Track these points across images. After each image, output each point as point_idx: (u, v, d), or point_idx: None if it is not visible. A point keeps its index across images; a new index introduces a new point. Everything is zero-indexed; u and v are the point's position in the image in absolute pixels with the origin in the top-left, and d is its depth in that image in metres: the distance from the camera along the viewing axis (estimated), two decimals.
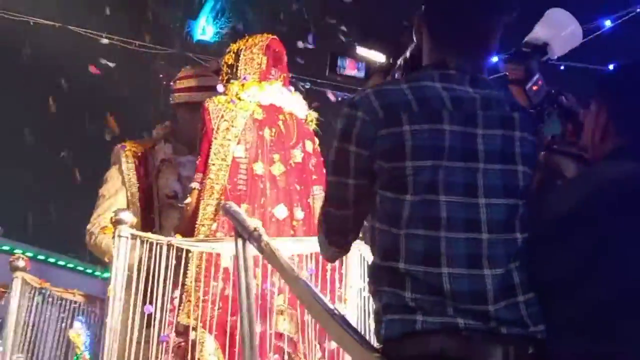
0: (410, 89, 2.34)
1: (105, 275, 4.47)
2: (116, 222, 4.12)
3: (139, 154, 5.16)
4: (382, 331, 2.29)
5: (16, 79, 11.95)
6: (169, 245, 4.18)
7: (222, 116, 4.63)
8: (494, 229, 2.25)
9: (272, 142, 4.71)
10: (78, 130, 11.86)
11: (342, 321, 2.72)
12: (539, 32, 2.78)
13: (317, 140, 4.92)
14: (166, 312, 4.15)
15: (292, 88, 5.05)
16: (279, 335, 4.27)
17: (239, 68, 4.91)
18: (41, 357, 5.15)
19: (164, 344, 4.12)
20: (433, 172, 2.24)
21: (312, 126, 4.97)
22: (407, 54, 2.63)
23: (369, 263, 2.46)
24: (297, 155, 4.74)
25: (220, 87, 4.89)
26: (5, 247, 13.06)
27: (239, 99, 4.73)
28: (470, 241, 2.22)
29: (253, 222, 3.56)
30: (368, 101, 2.33)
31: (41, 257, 13.42)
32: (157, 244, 4.16)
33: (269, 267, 3.96)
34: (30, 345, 5.03)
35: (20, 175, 12.67)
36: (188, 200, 4.56)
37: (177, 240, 4.24)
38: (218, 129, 4.60)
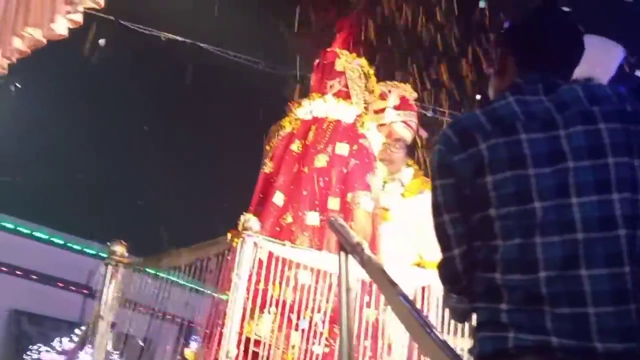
0: (484, 113, 2.35)
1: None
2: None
3: None
4: (475, 349, 2.23)
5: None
6: None
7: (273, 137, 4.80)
8: (590, 228, 2.13)
9: (298, 154, 4.74)
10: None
11: (438, 339, 2.68)
12: (576, 72, 2.66)
13: (365, 142, 4.81)
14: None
15: (328, 97, 5.03)
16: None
17: None
18: None
19: None
20: (518, 182, 2.20)
21: (364, 129, 4.88)
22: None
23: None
24: (321, 159, 4.70)
25: None
26: None
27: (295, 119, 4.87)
28: (566, 243, 2.13)
29: (356, 237, 3.50)
30: (443, 134, 2.38)
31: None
32: None
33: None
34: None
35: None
36: None
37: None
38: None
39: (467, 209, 2.30)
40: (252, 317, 4.20)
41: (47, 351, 13.24)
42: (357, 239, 3.46)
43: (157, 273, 4.93)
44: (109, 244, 4.95)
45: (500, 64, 2.54)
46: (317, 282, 4.32)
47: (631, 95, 2.36)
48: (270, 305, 4.28)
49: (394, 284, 3.07)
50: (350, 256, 3.45)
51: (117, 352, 5.18)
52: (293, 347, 4.24)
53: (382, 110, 5.33)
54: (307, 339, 4.26)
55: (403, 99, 5.44)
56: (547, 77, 2.38)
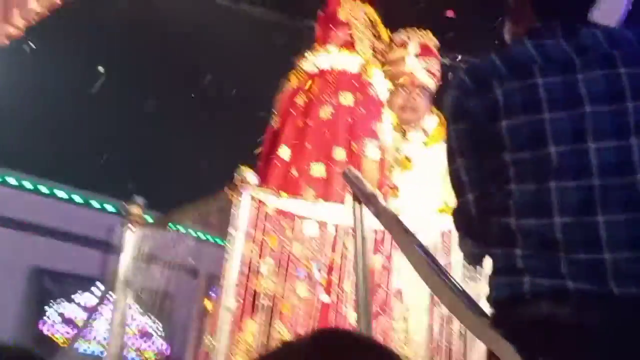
0: (499, 57, 2.31)
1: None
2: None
3: None
4: (492, 294, 2.25)
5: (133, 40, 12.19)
6: None
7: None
8: (607, 173, 2.12)
9: (303, 107, 4.78)
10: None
11: (455, 287, 2.67)
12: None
13: (370, 90, 4.84)
14: None
15: (331, 48, 5.02)
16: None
17: None
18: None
19: None
20: (533, 126, 2.18)
21: (369, 77, 4.85)
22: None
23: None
24: (326, 111, 4.72)
25: None
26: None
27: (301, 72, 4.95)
28: (582, 188, 2.12)
29: (370, 187, 3.52)
30: (458, 78, 2.36)
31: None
32: None
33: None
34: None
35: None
36: None
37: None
38: None
39: (481, 154, 2.29)
40: (250, 270, 4.24)
41: (69, 306, 13.42)
42: (372, 190, 3.47)
43: (176, 227, 4.96)
44: (124, 203, 4.99)
45: (516, 8, 2.50)
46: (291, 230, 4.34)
47: None
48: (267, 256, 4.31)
49: (409, 234, 3.07)
50: (364, 207, 3.47)
51: (139, 306, 5.25)
52: (300, 298, 4.27)
53: (403, 58, 5.30)
54: (313, 289, 4.29)
55: (424, 46, 5.37)
56: (566, 21, 2.34)
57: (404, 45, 5.30)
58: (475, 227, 2.36)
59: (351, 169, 3.74)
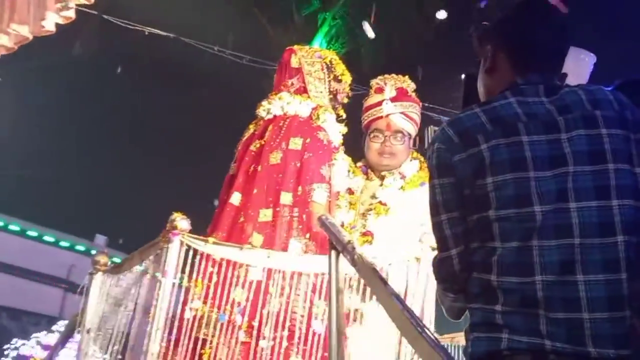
0: (484, 111, 2.31)
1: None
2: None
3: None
4: (468, 349, 2.22)
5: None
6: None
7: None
8: (587, 233, 2.13)
9: (255, 153, 4.84)
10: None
11: (431, 340, 2.67)
12: None
13: (320, 134, 4.87)
14: None
15: (284, 94, 5.09)
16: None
17: None
18: None
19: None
20: (518, 184, 2.18)
21: (319, 121, 4.92)
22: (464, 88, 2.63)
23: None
24: (275, 156, 4.78)
25: None
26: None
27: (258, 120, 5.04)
28: (563, 247, 2.12)
29: (347, 235, 3.49)
30: (443, 132, 2.34)
31: None
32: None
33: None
34: None
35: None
36: None
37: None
38: None
39: (465, 209, 2.27)
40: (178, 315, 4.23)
41: (25, 345, 13.20)
42: (348, 238, 3.45)
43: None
44: (89, 246, 4.99)
45: (491, 61, 2.48)
46: (233, 276, 4.30)
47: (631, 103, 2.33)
48: (193, 301, 4.29)
49: (385, 283, 3.06)
50: (341, 255, 3.44)
51: (103, 351, 5.17)
52: (237, 343, 4.25)
53: (380, 103, 5.28)
54: (230, 333, 4.27)
55: (400, 90, 5.35)
56: (547, 78, 2.35)
57: (380, 90, 5.31)
58: (457, 281, 2.34)
59: (327, 216, 3.72)
